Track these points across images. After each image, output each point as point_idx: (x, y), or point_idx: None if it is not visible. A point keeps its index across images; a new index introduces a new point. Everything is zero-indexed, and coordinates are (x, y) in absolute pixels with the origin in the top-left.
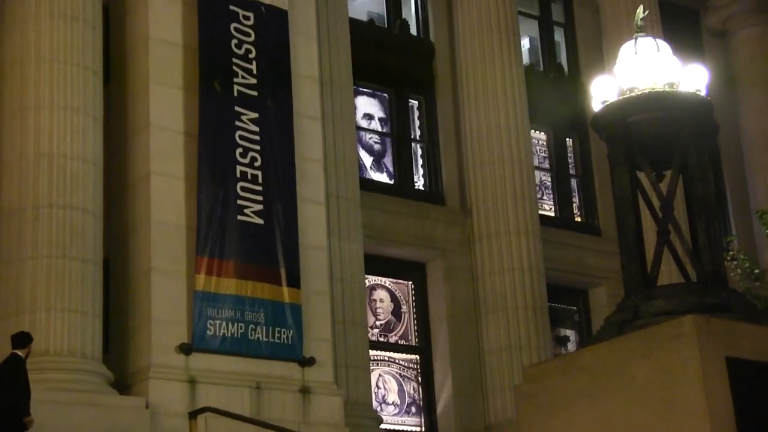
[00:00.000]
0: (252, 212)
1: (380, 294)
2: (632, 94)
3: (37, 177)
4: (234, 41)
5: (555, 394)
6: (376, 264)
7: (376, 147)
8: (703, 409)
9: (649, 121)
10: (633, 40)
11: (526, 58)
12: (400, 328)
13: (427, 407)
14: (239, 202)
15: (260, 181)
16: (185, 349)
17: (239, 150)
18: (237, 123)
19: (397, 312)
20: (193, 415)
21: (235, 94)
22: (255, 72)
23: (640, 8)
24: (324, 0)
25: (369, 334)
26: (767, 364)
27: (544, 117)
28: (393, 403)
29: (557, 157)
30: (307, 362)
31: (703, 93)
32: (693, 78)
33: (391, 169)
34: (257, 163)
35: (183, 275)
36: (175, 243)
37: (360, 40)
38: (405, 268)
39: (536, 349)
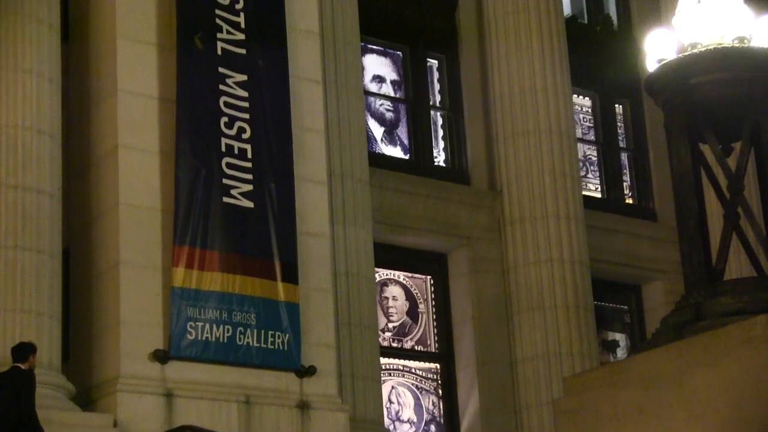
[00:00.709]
0: (240, 193)
1: (393, 291)
2: (695, 50)
3: None
4: None
5: (601, 410)
6: (388, 255)
7: (388, 115)
8: None
9: (715, 83)
10: None
11: (567, 8)
12: (417, 332)
13: (449, 425)
14: (225, 181)
15: (250, 156)
16: (161, 357)
17: (224, 119)
18: (222, 87)
19: (413, 312)
20: None
21: (219, 52)
22: (243, 26)
23: None
24: None
25: (380, 339)
26: None
27: (588, 79)
28: (408, 421)
29: (605, 127)
30: (306, 372)
31: None
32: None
33: (405, 141)
34: (246, 135)
35: (158, 269)
36: (148, 230)
37: None
38: (423, 259)
39: (579, 357)
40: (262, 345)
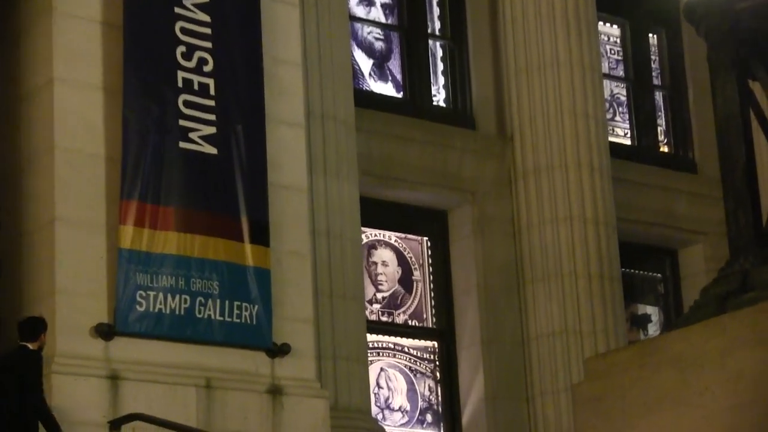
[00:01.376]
0: (201, 137)
1: (383, 255)
2: None
3: None
4: None
5: (630, 396)
6: (377, 212)
7: (378, 45)
8: None
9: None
10: None
11: None
12: (411, 304)
13: (448, 415)
14: (182, 122)
15: (212, 93)
16: (105, 332)
17: (182, 48)
18: (178, 10)
19: (406, 281)
20: (116, 424)
21: None
22: None
23: None
24: None
25: (367, 312)
26: None
27: (617, 3)
28: (401, 409)
29: (636, 61)
30: (279, 351)
31: None
32: None
33: (399, 77)
34: (207, 68)
35: (102, 227)
36: (89, 181)
37: None
38: (418, 218)
39: (603, 334)
40: (226, 318)
